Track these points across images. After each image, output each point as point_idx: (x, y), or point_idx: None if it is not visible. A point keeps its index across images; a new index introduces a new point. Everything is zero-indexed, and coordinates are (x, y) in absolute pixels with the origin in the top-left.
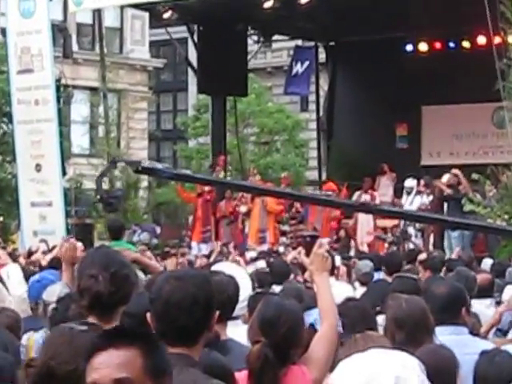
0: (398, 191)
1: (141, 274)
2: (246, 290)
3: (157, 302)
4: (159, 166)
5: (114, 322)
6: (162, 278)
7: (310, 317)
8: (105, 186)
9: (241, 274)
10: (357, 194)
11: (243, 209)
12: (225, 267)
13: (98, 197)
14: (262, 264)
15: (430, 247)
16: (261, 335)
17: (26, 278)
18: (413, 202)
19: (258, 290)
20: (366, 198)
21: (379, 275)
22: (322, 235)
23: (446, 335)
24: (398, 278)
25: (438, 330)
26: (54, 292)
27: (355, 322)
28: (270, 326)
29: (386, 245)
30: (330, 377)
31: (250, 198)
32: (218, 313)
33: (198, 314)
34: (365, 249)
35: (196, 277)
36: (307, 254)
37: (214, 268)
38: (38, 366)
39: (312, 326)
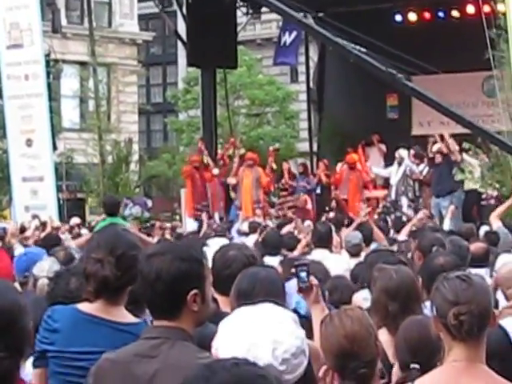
0: (390, 161)
1: None
2: None
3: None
4: None
5: (121, 302)
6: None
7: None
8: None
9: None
10: (339, 165)
11: (233, 181)
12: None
13: None
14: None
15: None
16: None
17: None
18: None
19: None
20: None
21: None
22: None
23: None
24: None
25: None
26: (44, 267)
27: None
28: (245, 297)
29: (376, 215)
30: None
31: (237, 171)
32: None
33: (160, 289)
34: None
35: (166, 253)
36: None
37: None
38: None
39: (295, 310)
